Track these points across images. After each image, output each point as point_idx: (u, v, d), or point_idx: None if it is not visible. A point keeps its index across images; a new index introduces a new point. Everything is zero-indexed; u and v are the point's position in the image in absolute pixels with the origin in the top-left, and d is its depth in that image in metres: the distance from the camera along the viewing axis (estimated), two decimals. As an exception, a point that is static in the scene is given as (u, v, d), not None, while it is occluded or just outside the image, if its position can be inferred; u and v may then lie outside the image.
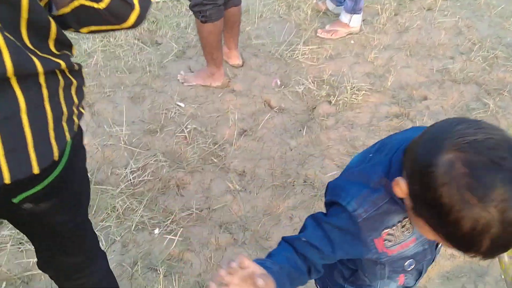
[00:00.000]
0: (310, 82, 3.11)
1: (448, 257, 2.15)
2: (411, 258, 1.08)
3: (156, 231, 2.18)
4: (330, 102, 2.99)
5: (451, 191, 0.75)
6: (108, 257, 1.99)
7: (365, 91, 3.08)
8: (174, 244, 2.12)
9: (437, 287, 2.05)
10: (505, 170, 0.73)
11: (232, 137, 2.70)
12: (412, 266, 1.10)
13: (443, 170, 0.76)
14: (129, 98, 2.91)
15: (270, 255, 1.01)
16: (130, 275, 2.00)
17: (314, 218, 1.04)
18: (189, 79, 3.04)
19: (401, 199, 0.92)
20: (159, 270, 2.00)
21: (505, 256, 1.22)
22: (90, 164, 2.44)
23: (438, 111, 2.96)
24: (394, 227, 0.99)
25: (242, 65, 3.25)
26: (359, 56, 3.42)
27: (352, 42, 3.58)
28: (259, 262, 0.92)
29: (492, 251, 0.78)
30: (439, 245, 1.15)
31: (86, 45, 3.32)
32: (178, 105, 2.87)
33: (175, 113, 2.81)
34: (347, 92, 3.03)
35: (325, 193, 1.09)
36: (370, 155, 1.06)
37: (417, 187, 0.83)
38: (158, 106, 2.86)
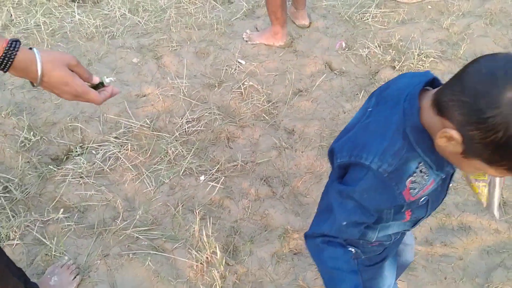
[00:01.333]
0: (376, 46, 3.03)
1: (492, 232, 2.06)
2: (427, 195, 1.08)
3: (202, 177, 2.31)
4: (394, 67, 2.90)
5: None
6: (155, 197, 2.18)
7: (434, 58, 2.94)
8: (216, 191, 2.23)
9: (475, 260, 1.98)
10: None
11: (286, 96, 2.73)
12: (424, 202, 1.10)
13: (509, 107, 0.77)
14: (194, 53, 3.03)
15: None
16: (173, 214, 2.15)
17: (338, 193, 1.04)
18: (253, 37, 3.09)
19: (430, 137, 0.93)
20: (196, 213, 2.13)
21: (474, 180, 1.19)
22: (151, 112, 2.62)
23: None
24: (415, 174, 1.00)
25: (309, 26, 3.23)
26: (434, 22, 3.26)
27: (430, 7, 3.41)
28: None
29: None
30: (451, 183, 1.15)
31: (162, 1, 3.47)
32: (239, 62, 2.94)
33: (235, 69, 2.89)
34: (413, 58, 2.92)
35: (336, 155, 1.05)
36: (370, 109, 1.05)
37: (477, 132, 0.82)
38: (220, 62, 2.95)
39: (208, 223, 2.07)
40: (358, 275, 1.08)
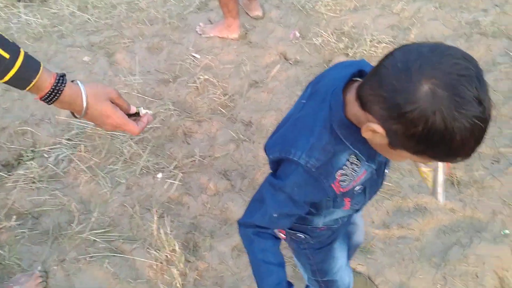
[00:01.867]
0: (329, 34, 3.04)
1: (447, 212, 2.11)
2: (361, 185, 1.09)
3: (159, 175, 2.27)
4: (347, 54, 2.92)
5: (442, 116, 0.77)
6: (112, 198, 2.13)
7: (386, 43, 2.98)
8: (174, 188, 2.21)
9: (432, 240, 2.02)
10: (473, 76, 0.78)
11: (242, 88, 2.72)
12: (360, 191, 1.11)
13: (427, 101, 0.78)
14: (146, 48, 2.97)
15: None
16: (130, 215, 2.11)
17: (271, 185, 1.05)
18: (207, 30, 3.06)
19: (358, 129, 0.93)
20: (154, 211, 2.09)
21: (421, 165, 1.21)
22: (104, 111, 2.55)
23: (461, 65, 2.83)
24: (345, 167, 1.01)
25: (263, 17, 3.22)
26: (385, 8, 3.30)
27: (381, -7, 3.44)
28: None
29: (475, 148, 0.83)
30: (386, 169, 1.17)
31: (112, -3, 3.39)
32: (193, 56, 2.91)
33: (190, 64, 2.85)
34: (366, 45, 2.95)
35: (269, 151, 1.07)
36: (303, 101, 1.05)
37: (399, 126, 0.82)
38: (174, 57, 2.91)
39: (166, 221, 2.04)
40: (284, 268, 1.12)
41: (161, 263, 1.90)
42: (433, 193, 1.24)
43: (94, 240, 2.01)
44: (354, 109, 0.91)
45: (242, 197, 2.17)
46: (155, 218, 2.02)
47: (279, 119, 2.50)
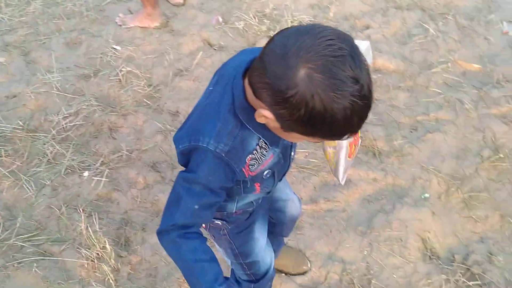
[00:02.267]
0: (251, 17, 3.06)
1: (370, 181, 2.20)
2: (269, 169, 1.13)
3: (86, 173, 2.23)
4: (270, 36, 2.95)
5: (320, 98, 0.80)
6: (38, 201, 2.07)
7: (307, 23, 3.03)
8: (102, 185, 2.17)
9: (357, 210, 2.11)
10: (346, 56, 0.81)
11: (167, 77, 2.69)
12: (268, 175, 1.15)
13: (304, 86, 0.80)
14: (64, 44, 2.88)
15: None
16: (58, 216, 2.06)
17: (185, 180, 1.04)
18: (127, 21, 3.00)
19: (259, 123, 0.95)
20: (82, 211, 2.06)
21: (327, 147, 1.26)
22: (23, 112, 2.47)
23: (379, 39, 2.93)
24: (255, 151, 1.04)
25: (184, 4, 3.19)
26: (305, -12, 3.35)
27: (300, -27, 3.49)
28: None
29: (360, 124, 0.87)
30: (293, 152, 1.20)
31: (24, -8, 3.25)
32: (114, 48, 2.85)
33: (111, 56, 2.79)
34: (288, 25, 2.98)
35: (178, 142, 1.07)
36: (210, 88, 1.06)
37: (284, 111, 0.85)
38: (94, 50, 2.84)
39: (95, 219, 2.01)
40: (217, 261, 1.11)
41: (92, 261, 1.88)
42: (335, 173, 1.28)
43: (22, 245, 1.96)
44: (250, 95, 0.93)
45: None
46: (83, 217, 1.99)
47: (205, 106, 2.52)
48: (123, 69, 2.69)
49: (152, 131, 2.42)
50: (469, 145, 2.35)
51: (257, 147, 1.04)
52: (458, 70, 2.73)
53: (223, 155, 0.99)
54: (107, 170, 2.23)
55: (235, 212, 1.24)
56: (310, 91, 0.80)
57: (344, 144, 1.24)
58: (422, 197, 2.15)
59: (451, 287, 1.88)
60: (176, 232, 1.05)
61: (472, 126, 2.43)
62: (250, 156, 1.04)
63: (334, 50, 0.80)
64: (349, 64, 0.80)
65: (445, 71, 2.70)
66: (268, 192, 1.25)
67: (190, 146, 1.01)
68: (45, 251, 1.94)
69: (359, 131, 0.95)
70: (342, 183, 1.32)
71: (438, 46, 2.85)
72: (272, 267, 1.48)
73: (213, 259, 1.09)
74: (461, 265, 1.95)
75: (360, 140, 1.33)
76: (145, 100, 2.57)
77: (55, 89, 2.58)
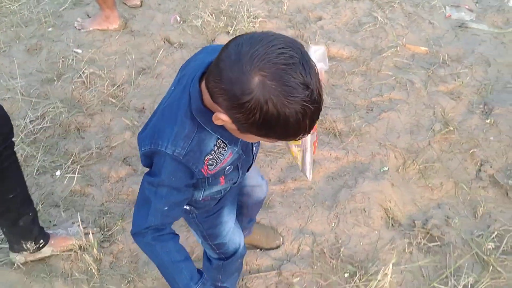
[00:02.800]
0: (208, 15, 3.16)
1: (333, 160, 2.34)
2: (230, 165, 1.19)
3: (58, 172, 2.27)
4: (228, 32, 3.06)
5: (274, 104, 0.86)
6: (12, 202, 2.07)
7: (262, 18, 3.15)
8: (75, 181, 2.22)
9: (323, 187, 2.24)
10: (297, 63, 0.87)
11: (130, 77, 2.76)
12: (231, 170, 1.22)
13: (259, 92, 0.86)
14: (25, 51, 2.90)
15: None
16: (34, 215, 2.10)
17: (150, 184, 1.10)
18: (86, 25, 3.04)
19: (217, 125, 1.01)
20: (61, 205, 2.10)
21: (292, 146, 1.36)
22: (-11, 119, 2.47)
23: (332, 29, 3.09)
24: (212, 152, 1.10)
25: (141, 5, 3.26)
26: (258, -15, 3.47)
27: (252, -29, 3.61)
28: None
29: (312, 125, 0.93)
30: (254, 148, 1.28)
31: (-22, 2, 3.24)
32: (75, 52, 2.88)
33: (72, 60, 2.83)
34: (244, 21, 3.10)
35: (140, 144, 1.11)
36: (172, 88, 1.10)
37: (240, 115, 0.90)
38: (55, 55, 2.87)
39: (73, 213, 2.06)
40: (190, 260, 1.19)
41: (75, 252, 1.93)
42: (302, 170, 1.39)
43: (1, 247, 1.98)
44: (207, 98, 0.98)
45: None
46: (62, 211, 2.04)
47: (171, 100, 2.59)
48: (85, 71, 2.74)
49: (120, 128, 2.48)
50: (421, 121, 2.53)
51: (215, 147, 1.09)
52: (407, 53, 2.91)
53: (181, 158, 1.04)
54: (79, 167, 2.27)
55: (203, 199, 1.29)
56: (264, 97, 0.86)
57: (308, 144, 1.33)
58: (381, 170, 2.30)
59: (414, 249, 2.03)
60: (150, 235, 1.13)
61: (423, 104, 2.60)
62: (208, 157, 1.09)
63: (285, 58, 0.86)
64: (300, 71, 0.86)
65: (395, 55, 2.87)
66: (235, 183, 1.31)
67: (151, 149, 1.06)
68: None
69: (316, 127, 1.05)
70: (310, 178, 1.42)
71: (387, 32, 3.02)
72: (242, 246, 1.55)
73: (187, 258, 1.18)
74: (421, 229, 2.10)
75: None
76: (110, 99, 2.62)
77: (19, 94, 2.60)
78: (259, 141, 1.26)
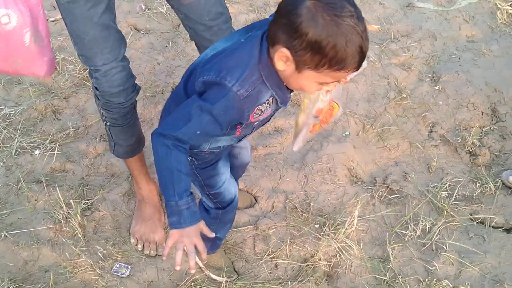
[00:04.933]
0: (172, 3, 3.28)
1: (299, 128, 2.51)
2: (260, 121, 1.35)
3: (37, 151, 2.35)
4: (193, 18, 3.19)
5: (323, 23, 1.02)
6: (-7, 181, 2.15)
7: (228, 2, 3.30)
8: (55, 158, 2.31)
9: (291, 151, 2.40)
10: (345, 1, 1.04)
11: (101, 61, 2.85)
12: (256, 126, 1.38)
13: (309, 13, 1.02)
14: (-7, 40, 2.94)
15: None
16: (17, 190, 2.18)
17: (199, 107, 1.19)
18: (53, 15, 3.11)
19: (276, 73, 1.17)
20: (42, 181, 2.19)
21: (305, 99, 1.44)
22: (-38, 106, 2.53)
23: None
24: (263, 104, 1.24)
25: (106, -4, 3.34)
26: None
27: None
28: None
29: (359, 60, 1.08)
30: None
31: None
32: (44, 40, 2.95)
33: (42, 48, 2.90)
34: (208, 7, 3.24)
35: (203, 72, 1.22)
36: (242, 40, 1.23)
37: (296, 41, 1.06)
38: (24, 43, 2.92)
39: (57, 187, 2.14)
40: (190, 178, 1.29)
41: (60, 221, 2.03)
42: (294, 138, 1.55)
43: (-14, 219, 2.05)
44: (271, 52, 1.14)
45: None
46: (44, 185, 2.13)
47: (143, 81, 2.72)
48: (56, 57, 2.81)
49: (95, 108, 2.55)
50: (377, 90, 2.74)
51: (267, 102, 1.24)
52: (361, 31, 3.13)
53: (242, 98, 1.17)
54: (57, 146, 2.36)
55: (205, 151, 1.46)
56: (314, 17, 1.02)
57: (310, 122, 1.48)
58: (344, 135, 2.49)
59: (376, 201, 2.23)
60: (173, 141, 1.22)
61: (378, 75, 2.82)
62: (259, 107, 1.23)
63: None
64: (348, 6, 1.04)
65: (350, 33, 3.08)
66: (240, 139, 1.49)
67: (215, 80, 1.17)
68: (11, 223, 2.05)
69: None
70: (295, 149, 1.58)
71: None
72: (237, 196, 1.69)
73: (189, 174, 1.28)
74: (382, 184, 2.31)
75: (333, 119, 1.56)
76: (84, 81, 2.71)
77: (-9, 81, 2.66)
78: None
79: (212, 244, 1.83)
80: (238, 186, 1.73)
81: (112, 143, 1.86)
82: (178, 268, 1.25)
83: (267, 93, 1.21)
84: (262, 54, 1.16)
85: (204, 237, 1.63)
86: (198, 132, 1.23)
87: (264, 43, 1.16)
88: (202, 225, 1.29)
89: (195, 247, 1.26)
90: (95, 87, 1.67)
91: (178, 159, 1.23)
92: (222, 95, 1.16)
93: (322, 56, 1.06)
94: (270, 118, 1.41)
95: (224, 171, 1.61)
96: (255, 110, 1.23)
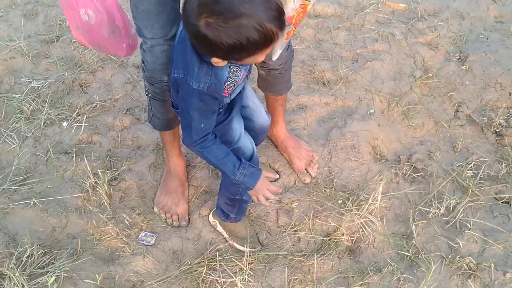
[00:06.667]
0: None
1: (323, 105, 2.51)
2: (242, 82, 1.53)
3: (64, 123, 2.39)
4: None
5: (227, 35, 1.12)
6: (22, 151, 2.22)
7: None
8: (82, 130, 2.35)
9: (315, 128, 2.41)
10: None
11: (127, 37, 2.87)
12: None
13: (209, 31, 1.14)
14: (22, 15, 2.99)
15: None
16: (45, 160, 2.22)
17: (186, 111, 1.42)
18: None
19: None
20: (71, 152, 2.24)
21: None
22: (-8, 78, 2.58)
23: None
24: (229, 78, 1.40)
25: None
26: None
27: None
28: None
29: (279, 18, 1.17)
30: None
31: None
32: (71, 15, 2.98)
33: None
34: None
35: (173, 66, 1.41)
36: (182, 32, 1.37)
37: (219, 53, 1.21)
38: (52, 19, 2.97)
39: (83, 157, 2.18)
40: (230, 153, 1.53)
41: (87, 190, 2.07)
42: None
43: (16, 188, 2.10)
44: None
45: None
46: (73, 156, 2.17)
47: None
48: (83, 33, 2.84)
49: (121, 82, 2.60)
50: (403, 69, 2.72)
51: (229, 74, 1.38)
52: (387, 10, 3.09)
53: (205, 91, 1.35)
54: (85, 118, 2.40)
55: None
56: (215, 31, 1.13)
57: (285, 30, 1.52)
58: (368, 112, 2.48)
59: (400, 179, 2.23)
60: (197, 145, 1.47)
61: (404, 53, 2.79)
62: (226, 84, 1.40)
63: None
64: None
65: (376, 11, 3.05)
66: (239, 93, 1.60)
67: (183, 79, 1.37)
68: (40, 191, 2.10)
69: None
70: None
71: None
72: (255, 151, 1.73)
73: (228, 153, 1.52)
74: (406, 163, 2.29)
75: (304, 14, 1.56)
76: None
77: (19, 54, 2.70)
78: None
79: (238, 209, 1.86)
80: (255, 147, 1.83)
81: (150, 113, 1.90)
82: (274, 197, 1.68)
83: (224, 70, 1.36)
84: (198, 51, 1.29)
85: (230, 204, 1.72)
86: (203, 125, 1.43)
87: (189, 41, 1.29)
88: (264, 175, 1.62)
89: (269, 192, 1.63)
90: (142, 59, 1.71)
91: (211, 154, 1.50)
92: (191, 93, 1.36)
93: (244, 51, 1.17)
94: (248, 74, 1.56)
95: (238, 127, 1.68)
96: (226, 87, 1.40)
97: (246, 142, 1.68)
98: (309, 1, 1.50)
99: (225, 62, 1.26)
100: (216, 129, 1.58)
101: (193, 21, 1.13)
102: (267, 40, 1.16)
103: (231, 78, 1.39)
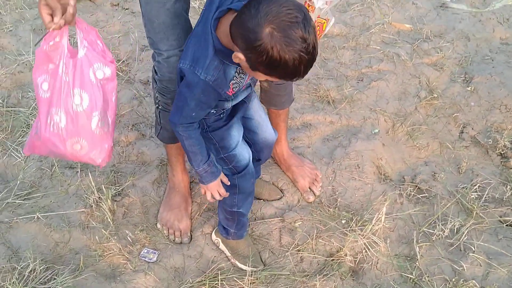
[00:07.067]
0: (205, -2, 3.31)
1: (328, 124, 2.52)
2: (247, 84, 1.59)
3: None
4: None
5: (278, 50, 1.17)
6: (28, 165, 2.23)
7: None
8: (88, 145, 2.36)
9: (320, 146, 2.41)
10: (299, 22, 1.18)
11: (134, 53, 2.91)
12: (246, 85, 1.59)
13: (267, 39, 1.17)
14: (31, 30, 3.03)
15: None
16: (50, 175, 2.23)
17: (181, 94, 1.47)
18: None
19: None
20: (76, 167, 2.25)
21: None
22: (0, 92, 2.61)
23: (322, 10, 3.27)
24: (234, 77, 1.45)
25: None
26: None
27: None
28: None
29: (306, 71, 1.24)
30: None
31: (-18, -13, 3.35)
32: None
33: (78, 38, 2.96)
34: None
35: (182, 60, 1.43)
36: (204, 9, 1.39)
37: (252, 55, 1.23)
38: (61, 34, 3.00)
39: (89, 173, 2.19)
40: (204, 147, 1.60)
41: (91, 206, 2.08)
42: None
43: (20, 202, 2.11)
44: (228, 39, 1.30)
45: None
46: (78, 170, 2.18)
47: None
48: (91, 48, 2.87)
49: (127, 98, 2.62)
50: (408, 89, 2.72)
51: (236, 74, 1.44)
52: (393, 30, 3.11)
53: (211, 83, 1.40)
54: (91, 133, 2.41)
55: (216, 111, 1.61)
56: (270, 44, 1.17)
57: None
58: (373, 132, 2.48)
59: (404, 200, 2.22)
60: (181, 128, 1.52)
61: (409, 74, 2.80)
62: (232, 82, 1.46)
63: (291, 17, 1.16)
64: (301, 28, 1.16)
65: (382, 32, 3.07)
66: (243, 97, 1.65)
67: (189, 69, 1.40)
68: (44, 206, 2.11)
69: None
70: (317, 5, 1.57)
71: (373, 12, 3.22)
72: (251, 163, 1.75)
73: (202, 146, 1.58)
74: (410, 183, 2.29)
75: (325, 32, 1.62)
76: (117, 72, 2.76)
77: (28, 69, 2.73)
78: None
79: (238, 223, 1.87)
80: (261, 162, 1.90)
81: (158, 126, 1.92)
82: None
83: (232, 68, 1.41)
84: (215, 43, 1.33)
85: (229, 217, 1.86)
86: (193, 114, 1.48)
87: (214, 35, 1.33)
88: (221, 177, 1.69)
89: (218, 193, 1.69)
90: (155, 70, 1.75)
91: (188, 141, 1.54)
92: (195, 83, 1.40)
93: (272, 72, 1.25)
94: (253, 85, 1.66)
95: (236, 134, 1.71)
96: (231, 85, 1.46)
97: (243, 152, 1.71)
98: (326, 19, 1.53)
99: (245, 63, 1.28)
100: (215, 133, 1.65)
101: (258, 21, 1.17)
102: (292, 74, 1.24)
103: (236, 77, 1.45)
